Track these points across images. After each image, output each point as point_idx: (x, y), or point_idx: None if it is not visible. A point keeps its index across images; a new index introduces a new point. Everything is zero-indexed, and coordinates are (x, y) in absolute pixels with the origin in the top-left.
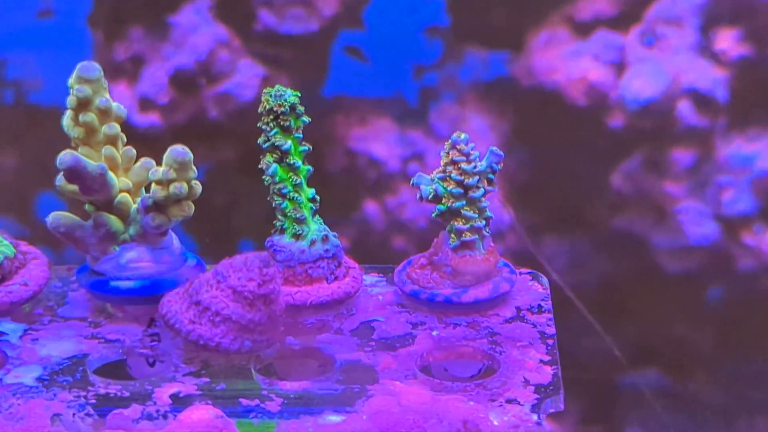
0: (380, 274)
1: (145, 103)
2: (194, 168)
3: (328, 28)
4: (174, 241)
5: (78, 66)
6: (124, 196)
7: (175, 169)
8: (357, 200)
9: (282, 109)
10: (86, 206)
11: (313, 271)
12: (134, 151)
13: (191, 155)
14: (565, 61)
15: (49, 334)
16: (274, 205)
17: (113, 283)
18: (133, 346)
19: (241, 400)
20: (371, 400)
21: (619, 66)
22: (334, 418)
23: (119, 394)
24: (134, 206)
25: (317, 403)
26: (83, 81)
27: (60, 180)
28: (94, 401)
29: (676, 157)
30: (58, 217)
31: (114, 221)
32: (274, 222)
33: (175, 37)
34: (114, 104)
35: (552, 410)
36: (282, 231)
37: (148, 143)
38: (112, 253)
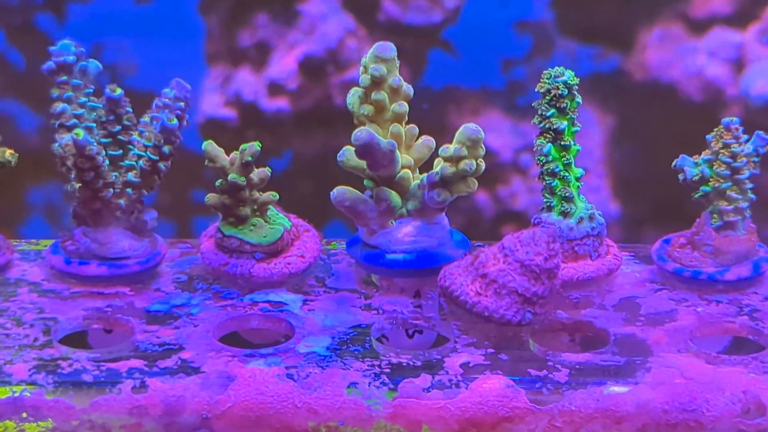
0: (631, 253)
1: (275, 89)
2: (483, 146)
3: (450, 20)
4: (444, 217)
5: (374, 45)
6: (406, 172)
7: (467, 147)
8: None
9: (560, 90)
10: (365, 181)
11: (580, 248)
12: (417, 129)
13: (483, 133)
14: (681, 58)
15: (325, 304)
16: (543, 184)
17: (389, 256)
18: (405, 317)
19: (530, 370)
20: (652, 372)
21: (737, 63)
22: (619, 389)
23: (411, 363)
24: (415, 182)
25: (601, 374)
26: (379, 60)
27: (343, 155)
28: (388, 370)
29: None
30: (343, 191)
31: (394, 196)
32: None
33: (303, 24)
34: (404, 83)
35: None
36: (549, 209)
37: (271, 128)
38: (390, 227)
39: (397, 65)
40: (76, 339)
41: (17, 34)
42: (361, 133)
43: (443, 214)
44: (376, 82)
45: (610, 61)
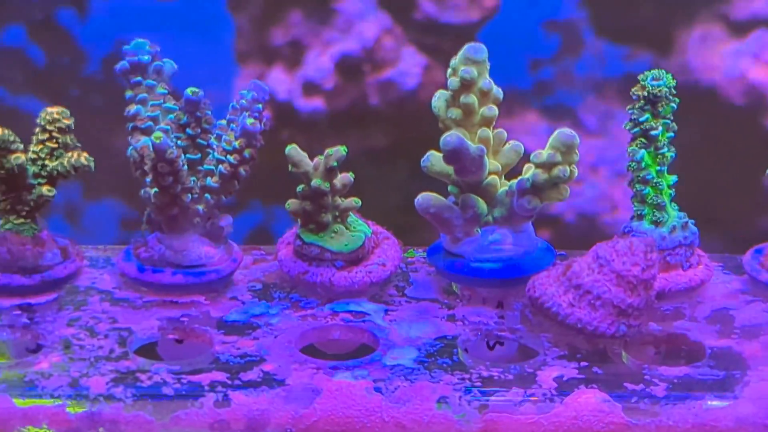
0: (719, 263)
1: (310, 88)
2: (578, 152)
3: (487, 19)
4: (531, 225)
5: (465, 47)
6: (493, 178)
7: (561, 153)
8: None
9: (659, 93)
10: (449, 187)
11: (671, 258)
12: (505, 134)
13: (578, 139)
14: (722, 60)
15: (408, 314)
16: (634, 190)
17: (474, 265)
18: (491, 328)
19: (626, 384)
20: (750, 386)
21: None
22: (718, 404)
23: (502, 376)
24: (502, 188)
25: (699, 388)
26: (470, 62)
27: (427, 161)
28: (479, 384)
29: None
30: (428, 198)
31: (481, 203)
32: (633, 206)
33: (339, 23)
34: (494, 86)
35: None
36: (640, 217)
37: (306, 128)
38: (475, 235)
39: (488, 67)
40: (146, 349)
41: (38, 29)
42: (450, 137)
43: (530, 222)
44: (466, 85)
45: (641, 61)
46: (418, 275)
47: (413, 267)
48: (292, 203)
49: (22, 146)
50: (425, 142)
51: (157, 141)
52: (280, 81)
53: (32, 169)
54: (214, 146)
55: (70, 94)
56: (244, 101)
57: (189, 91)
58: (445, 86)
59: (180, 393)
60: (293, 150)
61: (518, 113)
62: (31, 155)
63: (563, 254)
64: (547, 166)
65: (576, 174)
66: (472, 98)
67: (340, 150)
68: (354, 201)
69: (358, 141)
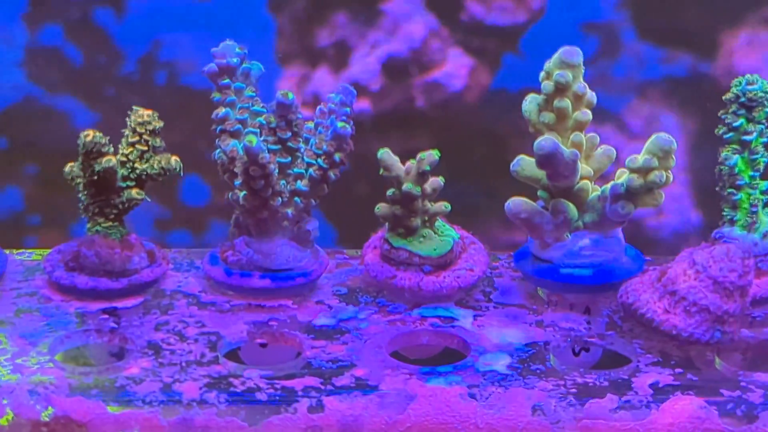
0: None
1: (357, 89)
2: (674, 157)
3: (533, 21)
4: (620, 230)
5: (560, 50)
6: (585, 183)
7: (658, 157)
8: None
9: (754, 97)
10: (539, 192)
11: (763, 264)
12: (597, 138)
13: (675, 144)
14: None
15: (497, 320)
16: (724, 195)
17: (564, 270)
18: (581, 334)
19: (722, 390)
20: None
21: None
22: None
23: (596, 383)
24: (594, 193)
25: None
26: (565, 66)
27: (517, 165)
28: (574, 390)
29: None
30: (519, 203)
31: (572, 208)
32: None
33: (386, 24)
34: (588, 90)
35: None
36: (732, 222)
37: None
38: (565, 240)
39: (582, 71)
40: (236, 353)
41: (75, 29)
42: (545, 142)
43: (620, 227)
44: (561, 89)
45: (680, 64)
46: (503, 280)
47: (497, 272)
48: (381, 207)
49: (112, 149)
50: (468, 144)
51: (251, 144)
52: (325, 82)
53: (121, 171)
54: (303, 150)
55: (106, 93)
56: (332, 104)
57: (280, 94)
58: (489, 88)
59: (273, 398)
60: (385, 154)
61: None
62: (120, 158)
63: (649, 260)
64: (643, 171)
65: (671, 179)
66: (566, 102)
67: (433, 154)
68: (444, 206)
69: (401, 142)
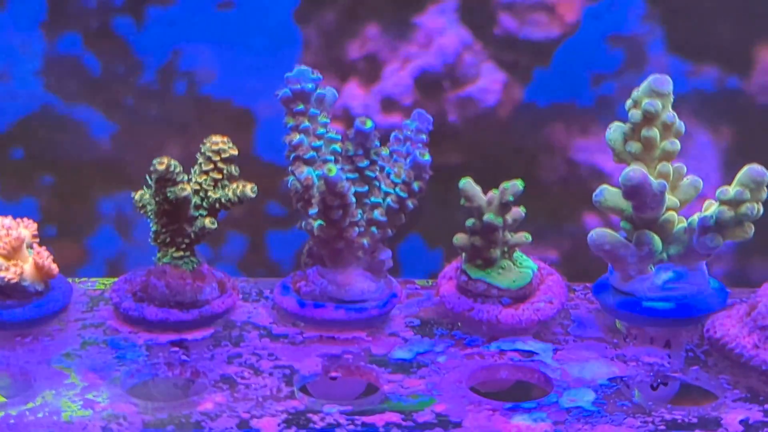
0: None
1: (388, 104)
2: (766, 189)
3: (568, 35)
4: (705, 263)
5: (650, 79)
6: (671, 215)
7: (750, 189)
8: (575, 212)
9: None
10: (622, 223)
11: None
12: (684, 168)
13: None
14: None
15: (575, 354)
16: None
17: (647, 304)
18: (664, 369)
19: None
20: None
21: None
22: None
23: (685, 419)
24: (680, 225)
25: None
26: (655, 95)
27: (600, 195)
28: (662, 427)
29: None
30: (603, 234)
31: (657, 240)
32: None
33: (419, 37)
34: (677, 119)
35: None
36: None
37: (383, 144)
38: (648, 272)
39: (671, 100)
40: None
41: (94, 38)
42: (633, 173)
43: (705, 260)
44: (649, 118)
45: (706, 78)
46: (579, 312)
47: (573, 303)
48: (460, 238)
49: (186, 177)
50: (499, 160)
51: (330, 174)
52: (355, 96)
53: (194, 200)
54: (380, 178)
55: (124, 103)
56: (408, 132)
57: (359, 121)
58: (523, 102)
59: None
60: (467, 184)
61: (593, 131)
62: (194, 185)
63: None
64: (734, 203)
65: (761, 211)
66: (655, 132)
67: (517, 185)
68: (525, 236)
69: (433, 158)
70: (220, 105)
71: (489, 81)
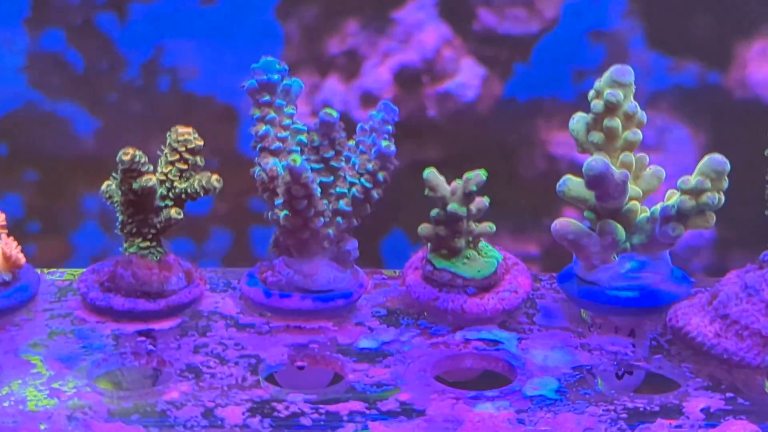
0: None
1: (368, 99)
2: (726, 178)
3: (546, 30)
4: (668, 252)
5: (611, 69)
6: (633, 204)
7: (711, 179)
8: (555, 206)
9: None
10: (585, 213)
11: None
12: (647, 158)
13: (729, 165)
14: None
15: (540, 343)
16: None
17: (611, 293)
18: (628, 357)
19: None
20: None
21: None
22: None
23: (647, 407)
24: (642, 215)
25: None
26: (617, 85)
27: (564, 185)
28: (624, 415)
29: None
30: (566, 224)
31: (620, 230)
32: None
33: (398, 33)
34: (639, 110)
35: None
36: None
37: None
38: (612, 262)
39: (633, 90)
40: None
41: (77, 34)
42: (595, 162)
43: (668, 249)
44: (611, 109)
45: (686, 73)
46: (545, 301)
47: (539, 293)
48: (424, 228)
49: (151, 167)
50: (479, 155)
51: (294, 164)
52: (336, 92)
53: (160, 191)
54: (345, 168)
55: (108, 99)
56: (373, 122)
57: (324, 112)
58: (502, 98)
59: (318, 423)
60: (431, 174)
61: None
62: (159, 176)
63: (693, 281)
64: (695, 192)
65: (723, 201)
66: (617, 122)
67: (480, 174)
68: (488, 226)
69: (410, 152)
70: (203, 101)
71: (469, 76)
